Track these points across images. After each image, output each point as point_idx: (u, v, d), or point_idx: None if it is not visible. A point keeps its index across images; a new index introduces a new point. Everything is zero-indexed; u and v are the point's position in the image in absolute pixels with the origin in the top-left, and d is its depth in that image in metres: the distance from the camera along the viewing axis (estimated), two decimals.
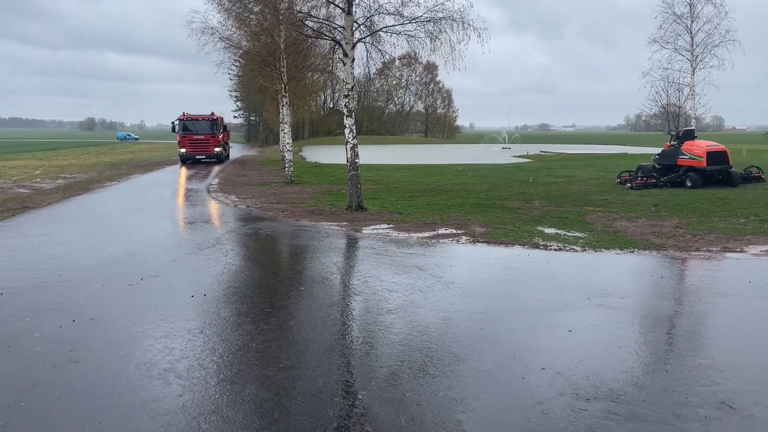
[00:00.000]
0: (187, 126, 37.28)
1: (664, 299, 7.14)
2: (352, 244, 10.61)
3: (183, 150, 37.18)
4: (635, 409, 4.14)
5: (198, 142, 37.31)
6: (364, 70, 19.17)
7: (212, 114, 38.27)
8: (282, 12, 20.75)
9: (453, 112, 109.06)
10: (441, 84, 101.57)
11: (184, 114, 37.82)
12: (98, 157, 43.14)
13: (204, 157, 37.50)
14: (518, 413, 4.10)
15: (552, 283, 7.71)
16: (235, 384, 4.53)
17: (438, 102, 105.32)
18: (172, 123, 37.77)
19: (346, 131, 15.32)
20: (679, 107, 31.10)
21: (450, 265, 8.84)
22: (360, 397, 4.34)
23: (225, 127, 41.85)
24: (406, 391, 4.43)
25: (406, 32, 15.31)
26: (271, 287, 7.54)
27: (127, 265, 8.51)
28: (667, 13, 29.54)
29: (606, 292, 7.17)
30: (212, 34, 23.77)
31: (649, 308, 6.79)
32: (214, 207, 15.87)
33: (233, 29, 25.15)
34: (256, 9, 23.05)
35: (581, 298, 7.00)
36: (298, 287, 7.50)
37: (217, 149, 37.79)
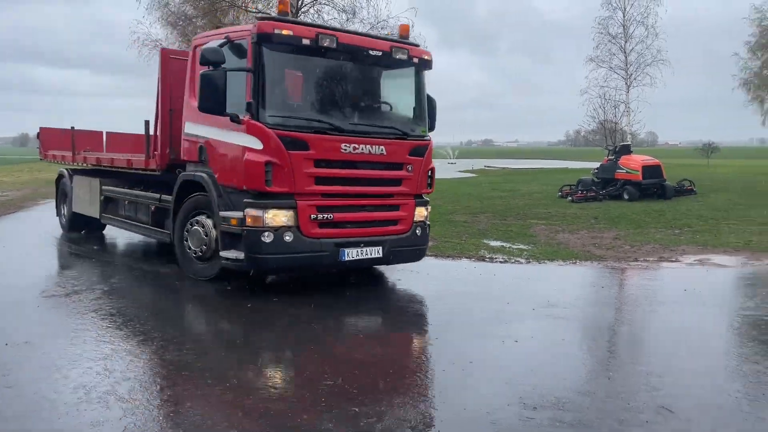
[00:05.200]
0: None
1: (606, 308, 7.37)
2: None
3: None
4: (580, 416, 4.23)
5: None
6: None
7: (406, 40, 8.15)
8: (226, 26, 20.55)
9: None
10: None
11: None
12: (32, 174, 41.44)
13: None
14: (467, 423, 4.13)
15: (498, 295, 7.84)
16: (180, 404, 4.40)
17: None
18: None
19: None
20: (616, 123, 32.38)
21: (398, 278, 8.87)
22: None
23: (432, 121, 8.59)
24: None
25: None
26: (217, 304, 7.38)
27: (63, 285, 8.16)
28: (602, 33, 30.82)
29: (550, 303, 7.33)
30: (155, 47, 23.29)
31: (591, 317, 6.99)
32: None
33: (177, 43, 24.71)
34: (200, 23, 22.74)
35: (527, 308, 7.14)
36: (246, 305, 7.36)
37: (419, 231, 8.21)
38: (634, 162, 20.65)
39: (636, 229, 13.42)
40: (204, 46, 7.27)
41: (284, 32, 6.97)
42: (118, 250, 11.23)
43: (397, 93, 8.44)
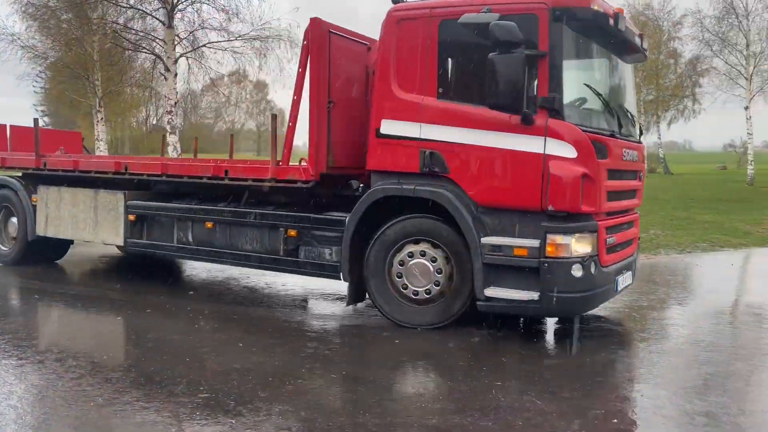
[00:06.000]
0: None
1: None
2: None
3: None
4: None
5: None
6: (188, 85, 18.50)
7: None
8: (95, 21, 19.31)
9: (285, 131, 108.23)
10: (273, 103, 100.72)
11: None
12: None
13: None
14: None
15: None
16: (39, 429, 4.04)
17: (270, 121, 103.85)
18: None
19: (170, 149, 14.61)
20: None
21: None
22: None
23: None
24: None
25: (232, 49, 15.10)
26: (73, 322, 6.89)
27: None
28: None
29: None
30: (12, 41, 21.38)
31: None
32: None
33: (39, 37, 22.85)
34: (64, 17, 21.19)
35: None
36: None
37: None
38: None
39: None
40: (494, 22, 5.36)
41: (594, 7, 5.56)
42: None
43: (630, 87, 7.14)
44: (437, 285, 6.03)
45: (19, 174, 9.58)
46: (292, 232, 6.86)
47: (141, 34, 17.52)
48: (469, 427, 4.05)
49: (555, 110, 5.53)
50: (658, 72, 39.58)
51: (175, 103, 14.88)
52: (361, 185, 6.55)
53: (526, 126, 5.55)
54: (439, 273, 6.02)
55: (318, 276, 6.98)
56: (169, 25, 14.83)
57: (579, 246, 5.54)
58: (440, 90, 6.01)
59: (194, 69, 16.74)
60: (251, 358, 5.39)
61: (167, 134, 14.42)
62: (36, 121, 9.34)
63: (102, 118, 23.33)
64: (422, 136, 6.01)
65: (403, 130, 6.11)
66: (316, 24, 6.52)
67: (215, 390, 4.67)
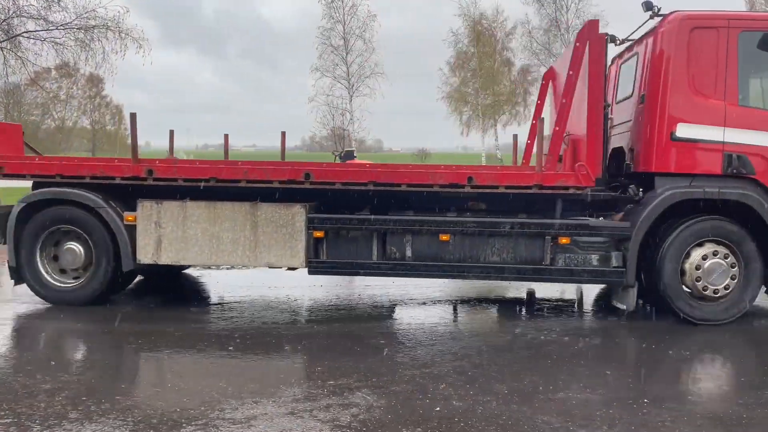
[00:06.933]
0: None
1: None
2: None
3: None
4: None
5: None
6: (6, 79, 16.77)
7: None
8: None
9: (125, 129, 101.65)
10: (109, 98, 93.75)
11: None
12: None
13: None
14: None
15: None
16: None
17: (107, 118, 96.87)
18: None
19: None
20: (344, 130, 34.48)
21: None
22: None
23: None
24: None
25: (52, 39, 13.78)
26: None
27: None
28: (325, 44, 32.59)
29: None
30: None
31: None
32: None
33: None
34: None
35: None
36: None
37: None
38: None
39: None
40: None
41: None
42: None
43: None
44: (733, 280, 6.56)
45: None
46: (564, 240, 6.79)
47: None
48: None
49: None
50: (494, 79, 42.27)
51: None
52: (641, 190, 6.87)
53: None
54: (734, 272, 6.55)
55: (596, 282, 7.23)
56: None
57: None
58: (741, 96, 6.61)
59: (10, 61, 15.04)
60: (62, 377, 4.96)
61: None
62: (133, 116, 7.40)
63: None
64: (726, 140, 6.54)
65: (703, 133, 6.58)
66: (594, 26, 6.69)
67: (18, 414, 4.24)
